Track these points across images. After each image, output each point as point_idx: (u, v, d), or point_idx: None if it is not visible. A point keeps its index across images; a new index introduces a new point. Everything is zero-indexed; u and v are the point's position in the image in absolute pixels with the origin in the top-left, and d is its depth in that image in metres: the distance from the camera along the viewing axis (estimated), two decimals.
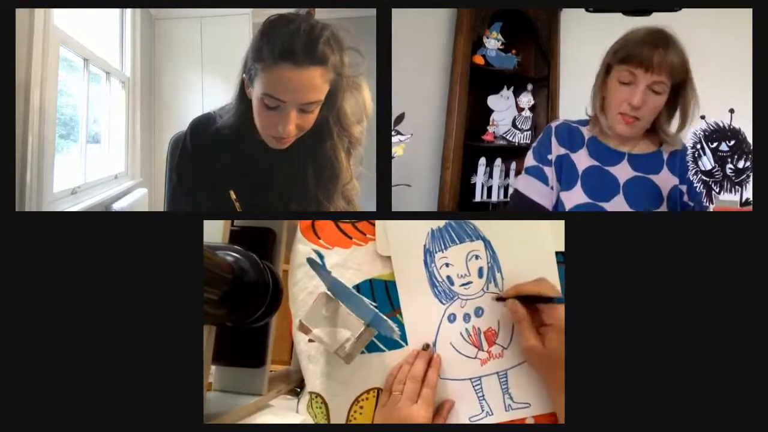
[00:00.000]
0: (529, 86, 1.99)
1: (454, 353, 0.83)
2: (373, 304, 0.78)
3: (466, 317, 0.84)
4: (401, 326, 0.84)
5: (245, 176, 1.01)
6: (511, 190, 1.88)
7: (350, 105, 0.99)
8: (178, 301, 0.87)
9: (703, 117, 0.91)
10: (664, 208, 1.03)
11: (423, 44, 1.76)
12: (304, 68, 0.89)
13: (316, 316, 0.79)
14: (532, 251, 0.84)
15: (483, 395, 0.82)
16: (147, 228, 0.90)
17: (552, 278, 0.83)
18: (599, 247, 0.90)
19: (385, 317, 0.76)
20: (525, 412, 0.82)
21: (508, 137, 1.97)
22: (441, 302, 0.84)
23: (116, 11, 1.73)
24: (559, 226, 0.85)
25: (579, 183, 1.07)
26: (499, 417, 0.82)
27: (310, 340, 0.82)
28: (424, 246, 0.85)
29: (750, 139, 0.89)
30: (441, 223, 0.86)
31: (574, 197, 1.06)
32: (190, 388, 0.84)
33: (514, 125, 1.98)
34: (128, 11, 1.78)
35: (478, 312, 0.84)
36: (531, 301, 0.78)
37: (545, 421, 0.81)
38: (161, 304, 0.87)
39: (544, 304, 0.78)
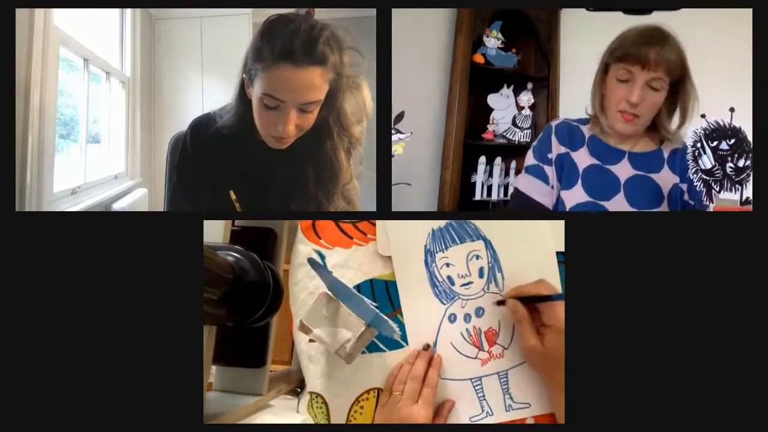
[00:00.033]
0: (529, 85, 1.99)
1: (455, 353, 0.83)
2: (374, 304, 0.78)
3: (467, 317, 0.84)
4: (402, 326, 0.84)
5: (245, 176, 1.01)
6: (511, 189, 1.88)
7: (350, 105, 0.99)
8: (178, 301, 0.87)
9: (703, 116, 0.91)
10: (664, 206, 1.03)
11: (423, 44, 1.76)
12: (303, 68, 0.89)
13: (316, 316, 0.79)
14: (533, 251, 0.85)
15: (483, 395, 0.82)
16: (147, 228, 0.90)
17: (552, 278, 0.83)
18: (599, 247, 0.90)
19: (385, 317, 0.76)
20: (525, 412, 0.82)
21: (508, 136, 1.97)
22: (441, 302, 0.84)
23: (116, 11, 1.73)
24: (560, 225, 0.85)
25: (580, 182, 1.07)
26: (500, 417, 0.82)
27: (311, 340, 0.82)
28: (425, 246, 0.85)
29: (750, 138, 0.90)
30: (441, 223, 0.86)
31: (575, 196, 1.06)
32: (190, 388, 0.84)
33: (514, 124, 1.98)
34: (128, 11, 1.78)
35: (479, 312, 0.84)
36: (531, 301, 0.78)
37: (545, 421, 0.81)
38: (161, 304, 0.88)
39: (544, 304, 0.78)
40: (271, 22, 0.92)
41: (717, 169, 0.90)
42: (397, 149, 1.47)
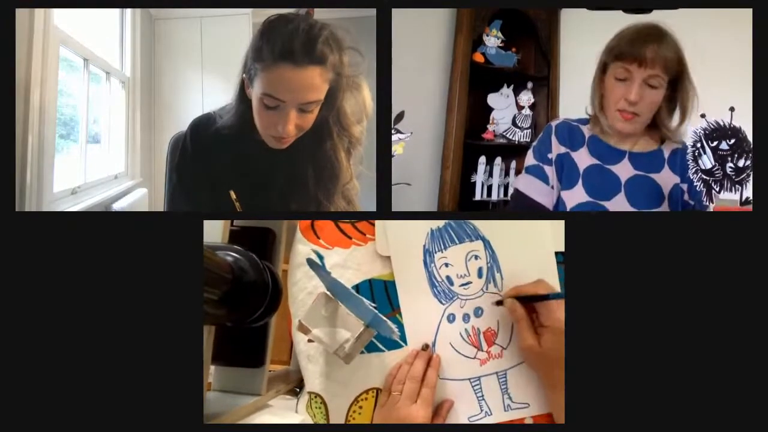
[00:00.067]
0: (529, 84, 1.99)
1: (454, 353, 0.83)
2: (373, 304, 0.78)
3: (466, 317, 0.84)
4: (401, 326, 0.84)
5: (245, 176, 1.01)
6: (511, 189, 1.88)
7: (350, 105, 0.99)
8: (178, 301, 0.87)
9: (703, 116, 0.91)
10: (665, 206, 1.03)
11: (423, 44, 1.76)
12: (303, 68, 0.89)
13: (315, 317, 0.79)
14: (532, 251, 0.84)
15: (482, 395, 0.82)
16: (147, 228, 0.90)
17: (552, 278, 0.83)
18: (599, 247, 0.90)
19: (384, 318, 0.76)
20: (524, 412, 0.82)
21: (508, 135, 1.97)
22: (440, 302, 0.84)
23: (116, 11, 1.73)
24: (559, 226, 0.85)
25: (580, 182, 1.06)
26: (498, 417, 0.82)
27: (310, 341, 0.82)
28: (424, 246, 0.85)
29: (750, 138, 0.89)
30: (440, 223, 0.86)
31: (576, 196, 1.06)
32: (190, 388, 0.85)
33: (514, 123, 1.98)
34: (128, 11, 1.78)
35: (478, 312, 0.84)
36: (529, 301, 0.78)
37: (544, 421, 0.81)
38: (161, 304, 0.88)
39: (542, 304, 0.78)
40: (271, 22, 0.92)
41: (717, 169, 0.89)
42: (397, 149, 1.47)
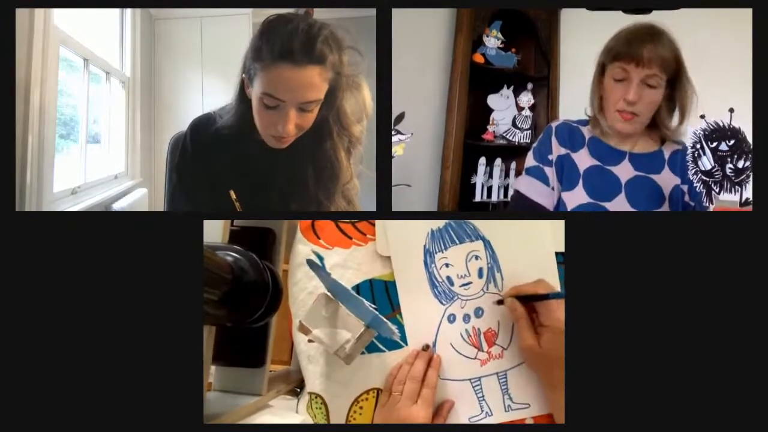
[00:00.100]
0: (529, 85, 1.99)
1: (454, 354, 0.83)
2: (373, 306, 0.78)
3: (466, 318, 0.84)
4: (401, 327, 0.83)
5: (245, 176, 1.01)
6: (511, 191, 1.88)
7: (350, 104, 0.99)
8: (178, 301, 0.87)
9: (702, 116, 0.91)
10: (665, 207, 1.03)
11: (423, 44, 1.76)
12: (302, 67, 0.89)
13: (315, 317, 0.79)
14: (532, 251, 0.84)
15: (483, 396, 0.82)
16: (147, 228, 0.90)
17: (552, 278, 0.83)
18: (599, 247, 0.90)
19: (384, 319, 0.76)
20: (524, 412, 0.82)
21: (508, 136, 1.97)
22: (441, 303, 0.84)
23: (116, 11, 1.73)
24: (559, 226, 0.85)
25: (580, 183, 1.06)
26: (499, 417, 0.82)
27: (310, 341, 0.82)
28: (424, 246, 0.85)
29: (750, 138, 0.89)
30: (441, 223, 0.86)
31: (576, 197, 1.06)
32: (190, 388, 0.85)
33: (514, 124, 1.98)
34: (128, 11, 1.78)
35: (478, 312, 0.84)
36: (529, 300, 0.78)
37: (544, 421, 0.81)
38: (161, 305, 0.87)
39: (542, 304, 0.78)
40: (270, 22, 0.92)
41: (717, 170, 0.89)
42: (397, 150, 1.47)
